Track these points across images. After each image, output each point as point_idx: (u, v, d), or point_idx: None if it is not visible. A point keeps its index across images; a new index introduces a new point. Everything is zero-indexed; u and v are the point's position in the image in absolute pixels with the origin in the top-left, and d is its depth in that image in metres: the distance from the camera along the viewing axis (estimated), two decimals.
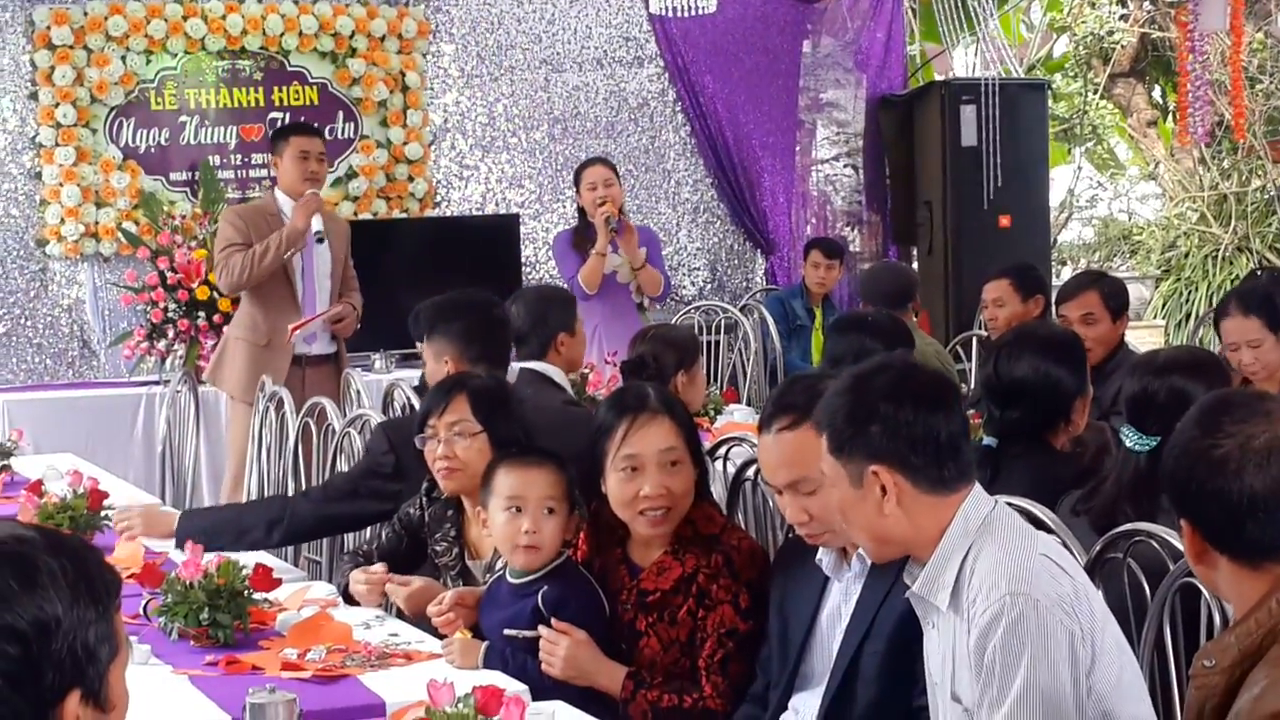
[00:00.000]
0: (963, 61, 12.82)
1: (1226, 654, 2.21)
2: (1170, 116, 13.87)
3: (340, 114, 9.37)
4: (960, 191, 10.21)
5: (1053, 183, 11.60)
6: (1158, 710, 3.04)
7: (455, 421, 4.13)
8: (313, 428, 5.92)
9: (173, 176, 9.02)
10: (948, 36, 10.72)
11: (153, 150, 8.99)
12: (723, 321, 9.24)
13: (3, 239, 8.82)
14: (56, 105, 8.73)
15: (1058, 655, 2.70)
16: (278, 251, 7.06)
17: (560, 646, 3.61)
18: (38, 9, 8.72)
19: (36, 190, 8.83)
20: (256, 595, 3.73)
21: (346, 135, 9.40)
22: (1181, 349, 4.79)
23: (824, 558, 3.36)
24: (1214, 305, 5.60)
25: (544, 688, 3.47)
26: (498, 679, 3.28)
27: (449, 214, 9.65)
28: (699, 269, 10.43)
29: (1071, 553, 3.16)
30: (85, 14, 8.77)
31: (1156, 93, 14.49)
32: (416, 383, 6.26)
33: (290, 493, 5.66)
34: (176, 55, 8.99)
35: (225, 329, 7.58)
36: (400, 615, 4.01)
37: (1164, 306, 13.12)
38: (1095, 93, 14.29)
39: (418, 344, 6.26)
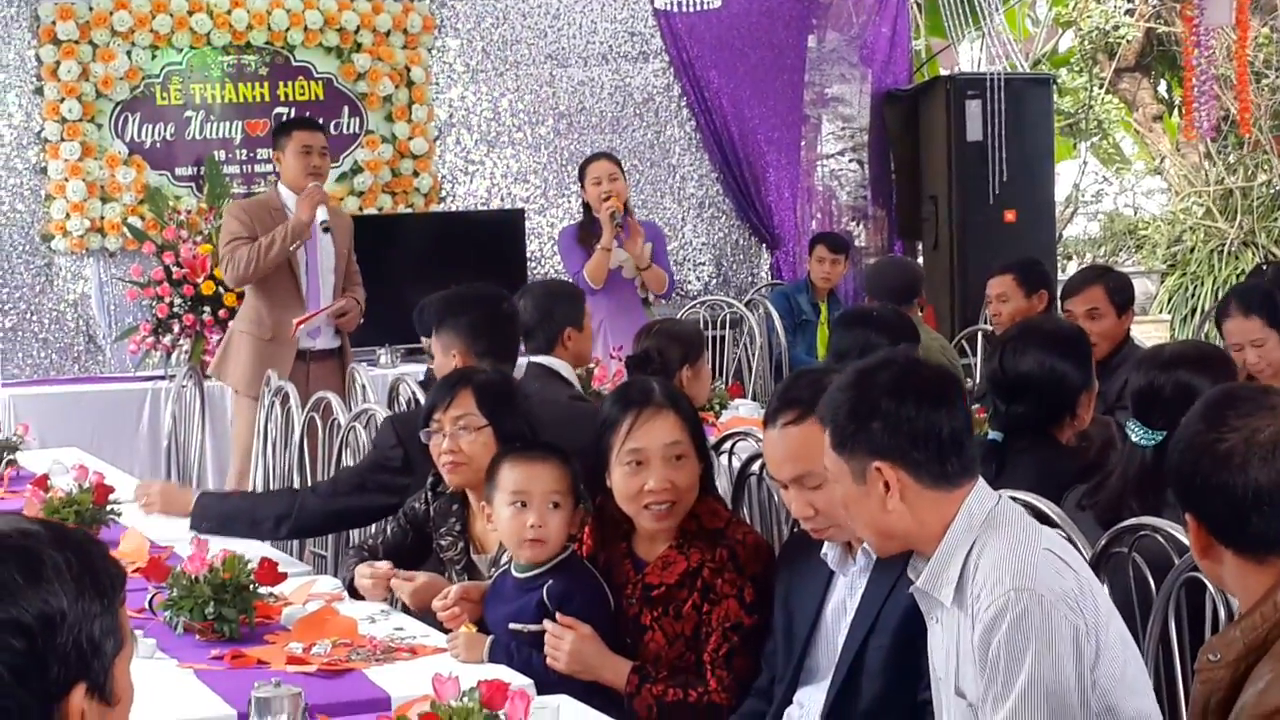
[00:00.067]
0: (968, 56, 12.81)
1: (1231, 648, 2.21)
2: (1176, 111, 13.86)
3: (345, 109, 9.38)
4: (965, 186, 10.20)
5: (1058, 177, 11.60)
6: (1162, 705, 3.04)
7: (460, 416, 4.14)
8: (318, 422, 5.93)
9: (178, 171, 9.03)
10: (953, 31, 10.71)
11: (158, 145, 8.99)
12: (728, 316, 9.24)
13: (8, 234, 8.82)
14: (62, 100, 8.74)
15: (1062, 650, 2.69)
16: (283, 244, 7.07)
17: (565, 641, 3.61)
18: (43, 4, 8.73)
19: (42, 185, 8.83)
20: (262, 589, 3.73)
21: (351, 130, 9.40)
22: (1187, 343, 4.79)
23: (829, 552, 3.36)
24: (1219, 299, 5.59)
25: (549, 682, 3.47)
26: (503, 673, 3.28)
27: (454, 209, 9.66)
28: (704, 264, 10.43)
29: (1076, 547, 3.16)
30: (90, 9, 8.78)
31: (1162, 87, 14.49)
32: (421, 377, 6.28)
33: (297, 486, 5.67)
34: (182, 50, 8.99)
35: (230, 323, 7.59)
36: (405, 610, 4.01)
37: (1169, 301, 13.12)
38: (1100, 87, 14.28)
39: (423, 339, 6.29)
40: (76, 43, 8.76)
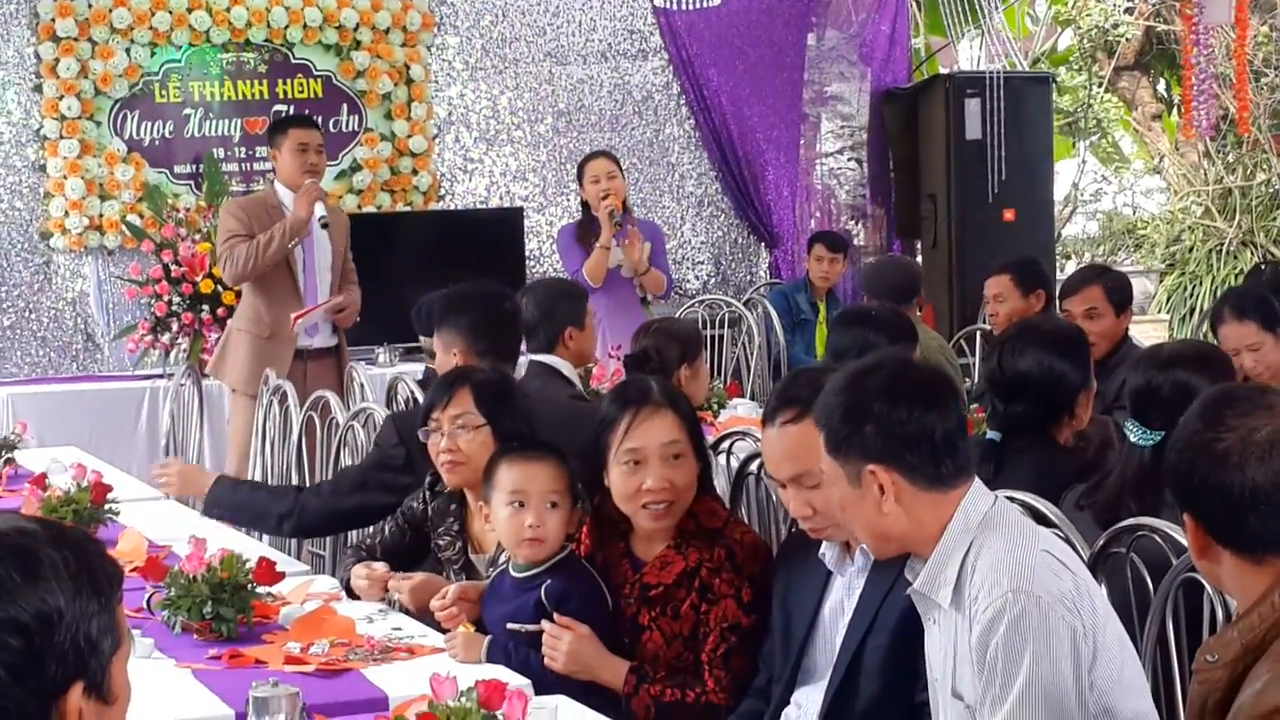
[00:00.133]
0: (967, 55, 12.81)
1: (1229, 649, 2.21)
2: (1175, 110, 13.86)
3: (344, 107, 9.38)
4: (964, 185, 10.20)
5: (1057, 176, 11.59)
6: (1160, 705, 3.04)
7: (459, 415, 4.13)
8: (316, 421, 5.93)
9: (177, 169, 9.02)
10: (952, 29, 10.71)
11: (157, 143, 8.99)
12: (726, 315, 9.24)
13: (7, 232, 8.82)
14: (61, 98, 8.74)
15: (1060, 652, 2.69)
16: (282, 241, 7.07)
17: (563, 641, 3.61)
18: (42, 1, 8.72)
19: (41, 183, 8.83)
20: (260, 589, 3.73)
21: (350, 128, 9.40)
22: (1186, 343, 4.79)
23: (827, 552, 3.36)
24: (1214, 305, 5.60)
25: (547, 682, 3.47)
26: (500, 673, 3.28)
27: (453, 207, 9.66)
28: (703, 263, 10.43)
29: (1074, 547, 3.15)
30: (90, 6, 8.78)
31: (1161, 86, 14.49)
32: (420, 376, 6.28)
33: (304, 484, 5.68)
34: (181, 48, 8.99)
35: (229, 322, 7.58)
36: (403, 610, 4.01)
37: (1168, 301, 13.12)
38: (1100, 86, 14.28)
39: (422, 338, 6.30)
40: (75, 40, 8.76)
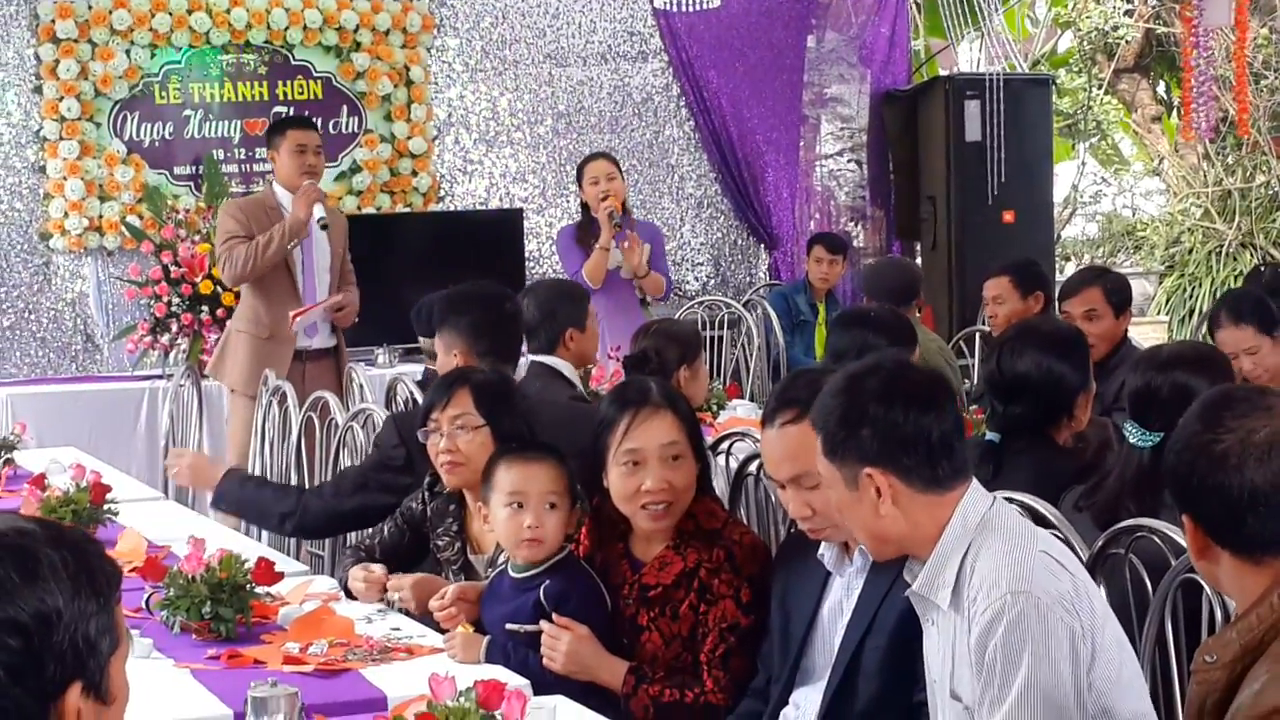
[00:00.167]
0: (967, 57, 12.81)
1: (1228, 649, 2.21)
2: (1175, 112, 13.86)
3: (344, 108, 9.38)
4: (964, 187, 10.20)
5: (1057, 178, 11.59)
6: (1159, 706, 3.04)
7: (458, 415, 4.13)
8: (315, 422, 5.93)
9: (176, 171, 9.02)
10: (952, 31, 10.72)
11: (157, 144, 8.99)
12: (726, 316, 9.24)
13: (6, 233, 8.82)
14: (61, 99, 8.74)
15: (1058, 653, 2.69)
16: (281, 242, 7.07)
17: (562, 641, 3.61)
18: (42, 2, 8.73)
19: (40, 184, 8.83)
20: (259, 589, 3.73)
21: (350, 130, 9.40)
22: (1185, 344, 4.79)
23: (826, 553, 3.36)
24: (1210, 310, 5.59)
25: (545, 682, 3.48)
26: (499, 673, 3.28)
27: (453, 209, 9.66)
28: (702, 264, 10.43)
29: (1073, 548, 3.16)
30: (90, 7, 8.78)
31: (1161, 88, 14.49)
32: (419, 377, 6.28)
33: (306, 484, 5.69)
34: (181, 49, 8.99)
35: (228, 323, 7.59)
36: (403, 610, 4.01)
37: (1168, 302, 13.12)
38: (1100, 88, 14.28)
39: (421, 338, 6.30)
40: (75, 41, 8.75)
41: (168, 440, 7.43)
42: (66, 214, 8.77)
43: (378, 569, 4.07)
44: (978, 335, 8.03)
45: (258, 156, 9.05)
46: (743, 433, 4.74)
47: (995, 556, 2.79)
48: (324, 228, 7.18)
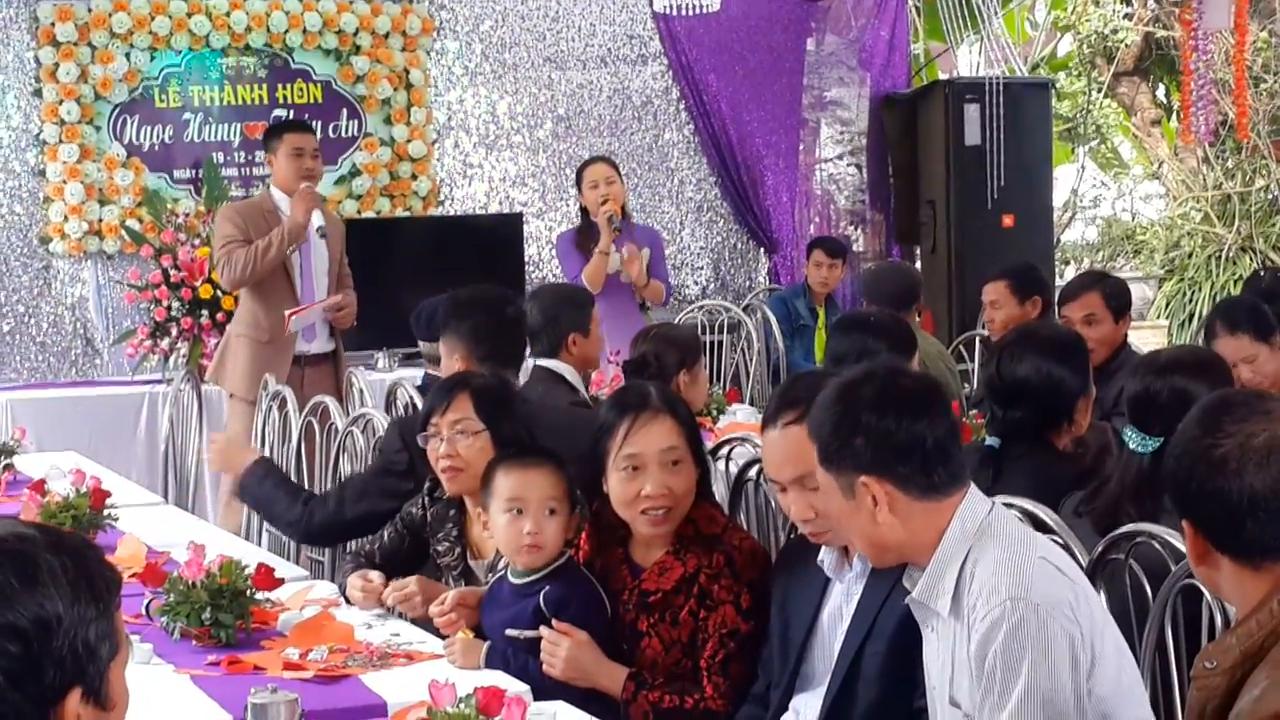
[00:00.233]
0: (967, 60, 12.82)
1: (1228, 655, 2.21)
2: (1174, 116, 13.86)
3: (344, 111, 9.38)
4: (964, 191, 10.20)
5: (1056, 182, 11.59)
6: (1159, 712, 3.04)
7: (458, 420, 4.13)
8: (315, 427, 5.93)
9: (176, 174, 9.03)
10: (952, 35, 10.72)
11: (156, 147, 8.99)
12: (725, 321, 9.24)
13: (6, 236, 8.82)
14: (60, 102, 8.74)
15: (1059, 659, 2.70)
16: (280, 246, 7.08)
17: (561, 647, 3.61)
18: (42, 6, 8.73)
19: (40, 187, 8.83)
20: (259, 595, 3.73)
21: (350, 133, 9.40)
22: (1184, 349, 4.79)
23: (825, 558, 3.36)
24: (1206, 319, 5.58)
25: (545, 688, 3.47)
26: (499, 679, 3.28)
27: (452, 212, 9.66)
28: (702, 268, 10.43)
29: (1073, 554, 3.16)
30: (89, 10, 8.78)
31: (1160, 92, 14.49)
32: (419, 381, 6.27)
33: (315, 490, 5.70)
34: (181, 52, 9.00)
35: (227, 328, 7.58)
36: (402, 616, 4.01)
37: (1167, 307, 13.12)
38: (1099, 92, 14.28)
39: (421, 343, 6.29)
40: (75, 44, 8.76)
41: (167, 445, 7.44)
42: (66, 218, 8.77)
43: (376, 577, 4.06)
44: (977, 340, 8.03)
45: (257, 160, 9.05)
46: (742, 438, 4.74)
47: (995, 563, 2.79)
48: (323, 237, 7.20)
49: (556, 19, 9.96)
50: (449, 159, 9.72)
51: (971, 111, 10.18)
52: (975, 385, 7.32)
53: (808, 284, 9.35)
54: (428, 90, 9.57)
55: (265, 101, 9.20)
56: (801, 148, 10.69)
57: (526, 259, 9.57)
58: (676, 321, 8.61)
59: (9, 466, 5.75)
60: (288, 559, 5.28)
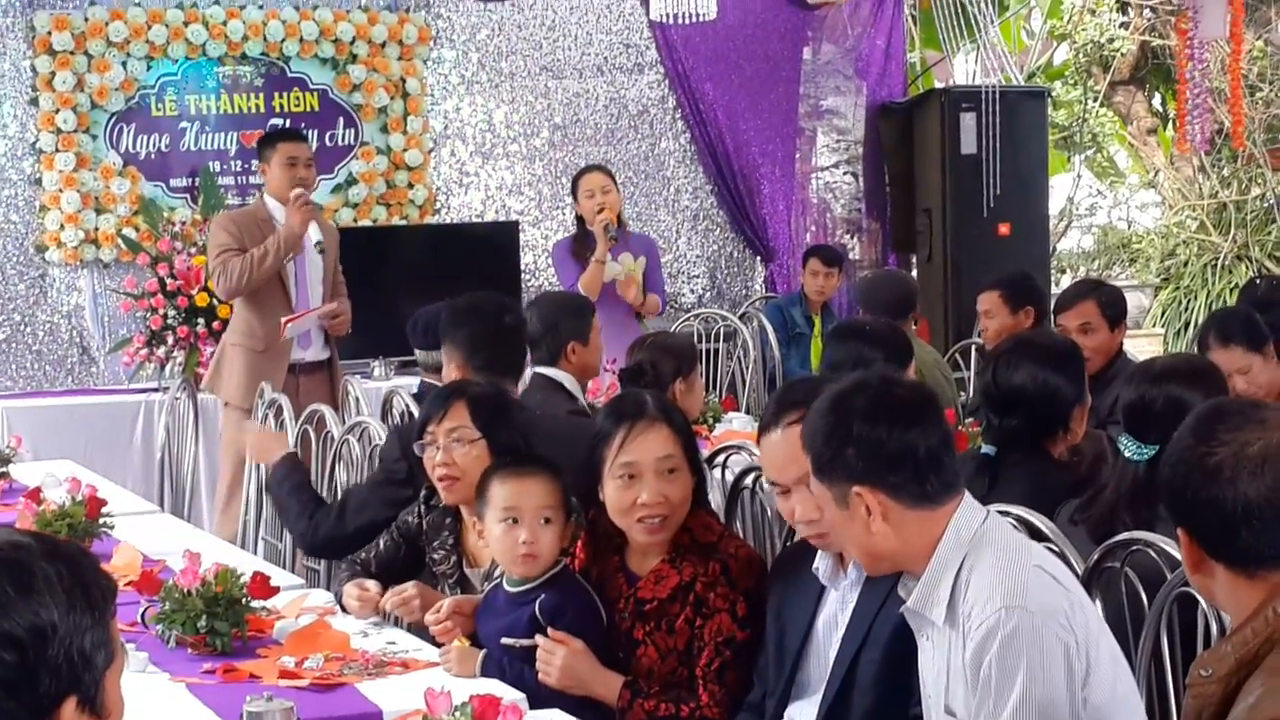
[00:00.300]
0: (963, 69, 12.83)
1: (1223, 663, 2.21)
2: (1170, 124, 13.87)
3: (340, 120, 9.38)
4: (960, 199, 10.21)
5: (1052, 191, 11.60)
6: None
7: (454, 428, 4.13)
8: (311, 435, 5.93)
9: (173, 183, 9.02)
10: (948, 44, 10.73)
11: (153, 156, 8.99)
12: (722, 329, 9.24)
13: (2, 245, 8.81)
14: (57, 111, 8.73)
15: (1054, 668, 2.70)
16: (277, 254, 7.08)
17: (557, 656, 3.61)
18: (38, 14, 8.73)
19: (36, 196, 8.83)
20: (254, 603, 3.73)
21: (347, 141, 9.40)
22: (1179, 357, 4.79)
23: (820, 565, 3.36)
24: (1199, 331, 5.57)
25: (541, 697, 3.47)
26: (495, 687, 3.28)
27: (449, 221, 9.66)
28: (698, 276, 10.43)
29: (1069, 562, 3.16)
30: (86, 19, 8.78)
31: (1156, 100, 14.50)
32: (415, 389, 6.27)
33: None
34: (177, 61, 8.99)
35: (222, 337, 7.58)
36: (398, 624, 4.01)
37: (1163, 315, 13.12)
38: (1095, 100, 14.29)
39: (417, 351, 6.30)
40: (72, 53, 8.75)
41: (163, 453, 7.43)
42: (62, 226, 8.77)
43: (372, 586, 4.06)
44: (973, 348, 8.03)
45: (254, 169, 9.02)
46: (738, 446, 4.74)
47: (989, 571, 2.79)
48: (321, 253, 7.20)
49: (553, 28, 9.96)
50: (445, 167, 9.72)
51: (967, 120, 10.19)
52: (971, 393, 7.32)
53: (804, 292, 9.35)
54: (424, 99, 9.57)
55: (262, 110, 9.19)
56: (798, 156, 10.70)
57: (523, 267, 9.57)
58: (672, 330, 8.61)
59: (5, 475, 5.76)
60: (283, 567, 5.28)
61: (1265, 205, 13.00)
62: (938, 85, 11.72)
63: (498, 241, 9.39)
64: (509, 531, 3.72)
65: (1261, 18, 13.14)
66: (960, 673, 2.79)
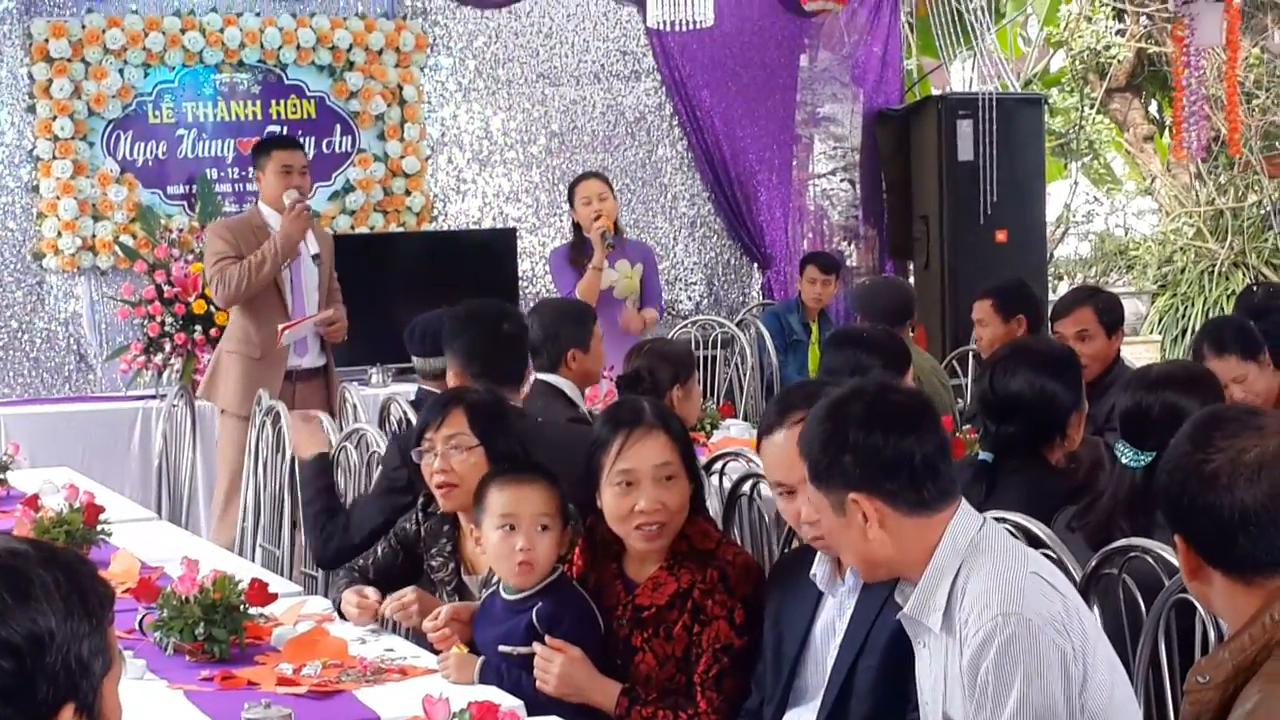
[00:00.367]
0: (959, 76, 12.83)
1: (1220, 669, 2.21)
2: (1166, 132, 13.89)
3: (338, 127, 9.38)
4: (957, 206, 10.22)
5: (1049, 198, 11.60)
6: None
7: (452, 435, 4.13)
8: None
9: (170, 190, 9.02)
10: (945, 51, 10.74)
11: (150, 163, 8.99)
12: (719, 336, 9.25)
13: (0, 252, 8.81)
14: (54, 118, 8.74)
15: (1050, 674, 2.70)
16: (275, 261, 7.08)
17: (554, 663, 3.61)
18: (36, 22, 8.73)
19: (34, 203, 8.83)
20: (252, 610, 3.72)
21: (344, 149, 9.41)
22: (1175, 364, 4.79)
23: (818, 572, 3.36)
24: (1194, 340, 5.57)
25: (539, 704, 3.47)
26: (493, 694, 3.28)
27: (446, 228, 9.66)
28: (695, 283, 10.44)
29: (1066, 569, 3.16)
30: (83, 27, 8.78)
31: (1153, 108, 14.52)
32: (413, 396, 6.27)
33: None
34: (174, 68, 8.99)
35: (218, 344, 7.58)
36: (396, 630, 4.01)
37: (1160, 322, 13.13)
38: (1092, 108, 14.31)
39: (414, 358, 6.30)
40: (69, 60, 8.75)
41: (161, 460, 7.43)
42: (60, 233, 8.77)
43: (371, 593, 4.06)
44: (971, 355, 8.04)
45: (251, 176, 9.04)
46: (736, 453, 4.74)
47: (986, 578, 2.79)
48: (319, 265, 7.21)
49: (550, 35, 9.97)
50: (442, 175, 9.72)
51: (964, 127, 10.20)
52: (968, 400, 7.32)
53: (801, 299, 9.36)
54: (421, 106, 9.57)
55: (259, 117, 9.20)
56: (795, 163, 10.70)
57: (520, 274, 9.57)
58: (670, 337, 8.61)
59: (2, 482, 5.76)
60: (281, 574, 5.28)
61: (1261, 212, 13.01)
62: (934, 92, 11.74)
63: (495, 248, 9.39)
64: (506, 538, 3.72)
65: (1258, 25, 13.16)
66: (957, 679, 2.79)
